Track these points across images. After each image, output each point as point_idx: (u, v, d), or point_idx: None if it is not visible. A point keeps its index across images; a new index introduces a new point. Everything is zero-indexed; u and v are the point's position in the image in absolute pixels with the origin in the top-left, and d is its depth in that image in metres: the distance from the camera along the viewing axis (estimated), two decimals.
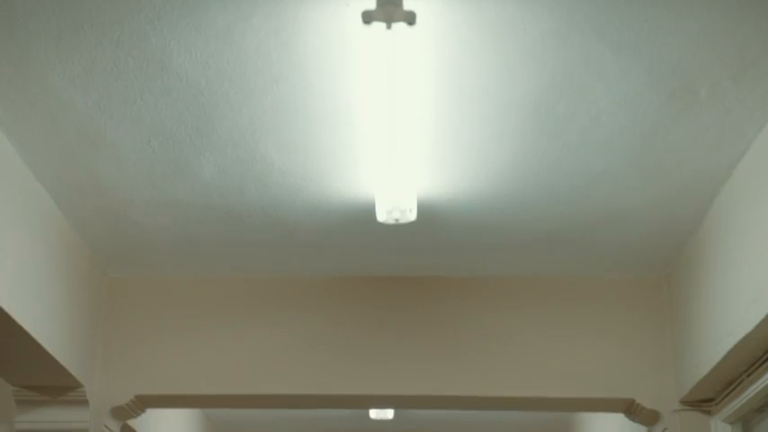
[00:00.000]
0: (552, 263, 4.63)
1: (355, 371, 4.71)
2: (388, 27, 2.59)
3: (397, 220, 3.89)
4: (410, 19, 2.59)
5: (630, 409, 4.71)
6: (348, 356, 4.72)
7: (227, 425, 7.12)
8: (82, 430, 4.46)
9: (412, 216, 3.86)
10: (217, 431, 7.16)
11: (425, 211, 4.03)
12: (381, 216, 3.87)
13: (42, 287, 3.89)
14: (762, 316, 3.41)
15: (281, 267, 4.71)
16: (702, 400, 4.47)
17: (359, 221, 4.16)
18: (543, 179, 3.79)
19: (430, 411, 6.87)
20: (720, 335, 3.89)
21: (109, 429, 4.63)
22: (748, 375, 4.02)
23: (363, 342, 4.74)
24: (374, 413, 6.75)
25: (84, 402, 4.45)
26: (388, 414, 6.80)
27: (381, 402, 5.14)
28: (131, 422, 4.98)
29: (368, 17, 2.58)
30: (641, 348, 4.68)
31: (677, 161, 3.63)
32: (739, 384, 4.14)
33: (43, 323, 3.89)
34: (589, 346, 4.70)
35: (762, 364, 3.86)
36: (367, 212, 4.04)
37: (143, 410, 4.82)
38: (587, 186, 3.84)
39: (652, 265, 4.61)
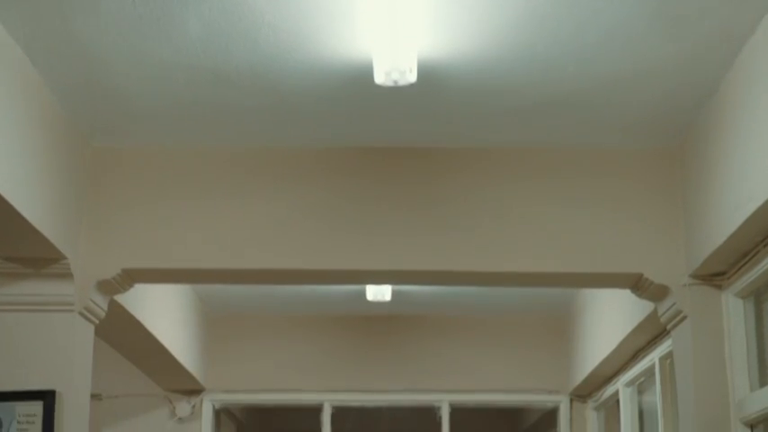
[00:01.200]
0: (559, 132, 4.41)
1: (351, 245, 4.53)
2: None
3: (395, 81, 3.68)
4: None
5: (638, 285, 4.54)
6: (343, 230, 4.53)
7: (219, 304, 6.97)
8: (67, 304, 4.30)
9: (411, 77, 3.64)
10: (208, 311, 7.02)
11: (426, 72, 3.77)
12: (379, 77, 3.66)
13: (21, 156, 3.68)
14: None
15: (273, 137, 4.48)
16: (714, 274, 4.30)
17: (355, 84, 3.91)
18: (552, 35, 3.53)
19: (428, 294, 6.73)
20: (739, 201, 3.70)
21: (95, 304, 4.46)
22: (765, 246, 3.84)
23: (359, 215, 4.55)
24: (371, 294, 6.60)
25: (68, 275, 4.27)
26: (386, 295, 6.65)
27: (378, 278, 4.98)
28: (119, 298, 4.80)
29: None
30: (650, 221, 4.48)
31: (699, 11, 3.37)
32: (754, 256, 3.96)
33: (23, 192, 3.69)
34: (596, 219, 4.51)
35: None
36: (364, 74, 3.79)
37: (131, 286, 4.65)
38: (599, 43, 3.59)
39: (665, 133, 4.38)
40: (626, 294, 5.14)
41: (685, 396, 4.45)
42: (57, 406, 4.18)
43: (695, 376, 4.31)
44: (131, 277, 4.56)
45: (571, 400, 7.15)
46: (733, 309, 4.28)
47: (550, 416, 7.44)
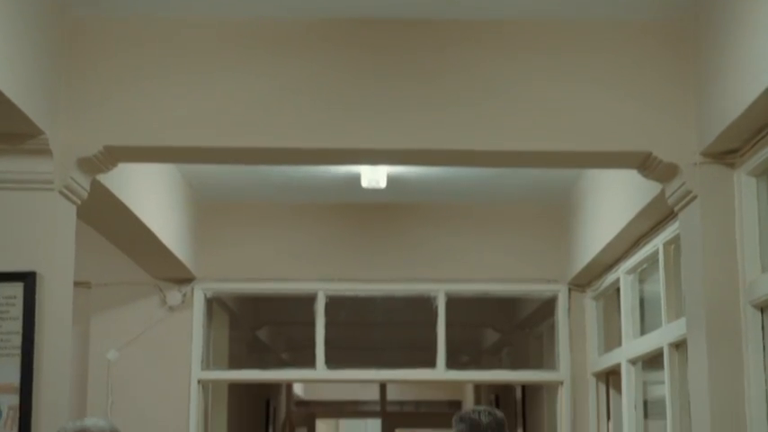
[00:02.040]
0: (568, 3, 4.16)
1: (346, 122, 4.31)
2: None
3: None
4: None
5: (645, 164, 4.34)
6: (338, 107, 4.31)
7: (209, 191, 6.77)
8: (46, 182, 4.09)
9: None
10: (199, 198, 6.82)
11: None
12: None
13: None
14: None
15: (265, 6, 4.23)
16: (726, 152, 4.09)
17: None
18: None
19: (424, 181, 6.54)
20: (755, 73, 3.47)
21: (77, 183, 4.25)
22: None
23: (355, 91, 4.32)
24: (366, 181, 6.40)
25: (46, 152, 4.06)
26: (381, 182, 6.45)
27: (374, 157, 4.78)
28: (103, 180, 4.59)
29: None
30: (660, 97, 4.26)
31: None
32: None
33: None
34: (604, 94, 4.29)
35: None
36: None
37: (114, 165, 4.44)
38: None
39: (677, 4, 4.14)
40: (629, 178, 4.96)
41: (692, 280, 4.29)
42: (38, 288, 4.01)
43: (704, 259, 4.15)
44: (114, 155, 4.35)
45: (569, 290, 7.01)
46: (745, 187, 4.09)
47: (548, 305, 7.31)
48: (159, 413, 6.79)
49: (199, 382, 6.89)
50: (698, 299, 4.20)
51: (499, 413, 4.70)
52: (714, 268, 4.12)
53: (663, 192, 4.51)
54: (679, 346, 5.08)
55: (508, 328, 9.28)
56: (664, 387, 5.42)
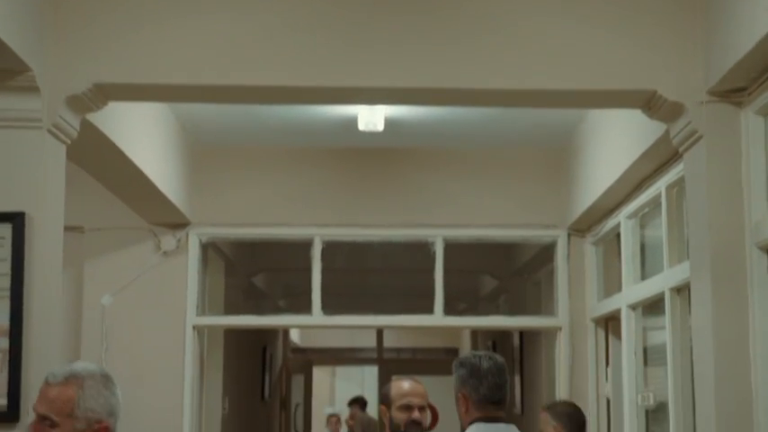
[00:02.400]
0: None
1: (343, 59, 4.20)
2: None
3: None
4: None
5: (650, 103, 4.23)
6: (335, 43, 4.19)
7: (204, 135, 6.65)
8: (34, 120, 3.97)
9: None
10: (193, 141, 6.71)
11: None
12: None
13: None
14: None
15: None
16: (733, 90, 3.99)
17: None
18: None
19: (423, 124, 6.42)
20: (765, 7, 3.36)
21: (66, 122, 4.13)
22: None
23: (353, 27, 4.20)
24: (363, 124, 6.28)
25: (34, 89, 3.93)
26: (378, 125, 6.33)
27: (372, 96, 4.66)
28: (93, 119, 4.48)
29: None
30: (665, 34, 4.14)
31: None
32: None
33: None
34: (607, 32, 4.17)
35: None
36: None
37: (104, 104, 4.32)
38: None
39: None
40: (632, 120, 4.86)
41: (697, 222, 4.21)
42: (27, 229, 3.91)
43: (709, 200, 4.06)
44: (104, 93, 4.23)
45: (569, 235, 6.92)
46: (752, 127, 3.99)
47: (547, 252, 7.23)
48: (154, 359, 6.72)
49: (194, 327, 6.82)
50: (702, 241, 4.11)
51: (500, 358, 4.62)
52: (719, 209, 4.03)
53: (667, 133, 4.41)
54: (681, 290, 5.01)
55: (506, 275, 9.21)
56: (664, 333, 5.36)
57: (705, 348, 4.08)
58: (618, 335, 6.41)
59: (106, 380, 3.16)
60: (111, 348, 6.68)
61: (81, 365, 3.26)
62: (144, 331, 6.74)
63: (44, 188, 4.04)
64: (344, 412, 15.86)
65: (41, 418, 3.03)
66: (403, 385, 5.14)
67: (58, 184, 4.21)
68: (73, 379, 3.06)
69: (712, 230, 4.04)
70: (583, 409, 6.68)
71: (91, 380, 3.09)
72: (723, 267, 4.00)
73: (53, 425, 3.01)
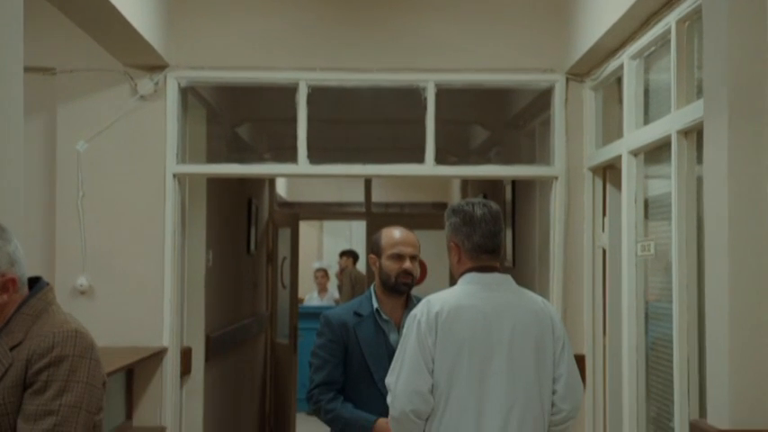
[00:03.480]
0: None
1: None
2: None
3: None
4: None
5: None
6: None
7: None
8: None
9: None
10: None
11: None
12: None
13: None
14: None
15: None
16: None
17: None
18: None
19: None
20: None
21: None
22: None
23: None
24: None
25: None
26: None
27: None
28: None
29: None
30: None
31: None
32: None
33: None
34: None
35: None
36: None
37: None
38: None
39: None
40: None
41: (714, 54, 3.89)
42: None
43: (729, 29, 3.74)
44: None
45: (567, 80, 6.59)
46: None
47: (541, 100, 6.91)
48: (132, 207, 6.47)
49: (174, 176, 6.53)
50: (720, 75, 3.80)
51: (494, 205, 4.37)
52: (740, 40, 3.71)
53: None
54: (689, 133, 4.72)
55: (498, 125, 8.90)
56: (666, 184, 5.11)
57: (718, 192, 3.81)
58: (616, 184, 6.17)
59: None
60: (87, 196, 6.41)
61: None
62: (122, 179, 6.46)
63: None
64: (332, 267, 15.79)
65: None
66: (394, 233, 4.91)
67: (14, 15, 3.84)
68: None
69: (731, 63, 3.72)
70: (578, 259, 6.51)
71: None
72: (742, 104, 3.70)
73: None
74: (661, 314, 5.18)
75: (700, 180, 4.66)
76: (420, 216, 13.60)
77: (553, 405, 4.24)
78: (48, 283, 3.13)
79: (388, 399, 4.18)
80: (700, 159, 4.67)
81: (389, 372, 4.21)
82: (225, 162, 7.32)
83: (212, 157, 7.40)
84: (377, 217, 12.16)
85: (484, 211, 4.28)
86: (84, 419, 2.95)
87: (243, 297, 9.78)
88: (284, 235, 12.06)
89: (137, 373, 6.36)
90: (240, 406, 9.51)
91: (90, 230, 6.41)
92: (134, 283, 6.44)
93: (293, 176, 11.43)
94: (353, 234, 17.40)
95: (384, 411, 4.40)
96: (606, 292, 6.31)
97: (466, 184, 11.75)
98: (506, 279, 4.37)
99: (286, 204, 13.41)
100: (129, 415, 6.30)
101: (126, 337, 6.36)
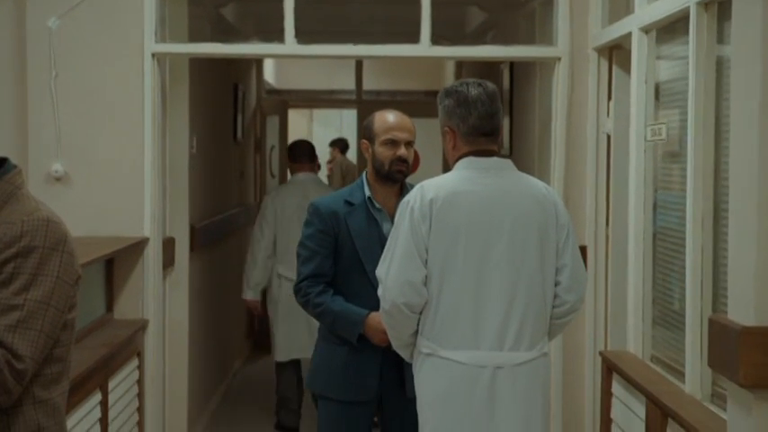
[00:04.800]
0: None
1: None
2: None
3: None
4: None
5: None
6: None
7: None
8: None
9: None
10: None
11: None
12: None
13: None
14: None
15: None
16: None
17: None
18: None
19: None
20: None
21: None
22: None
23: None
24: None
25: None
26: None
27: None
28: None
29: None
30: None
31: None
32: None
33: None
34: None
35: None
36: None
37: None
38: None
39: None
40: None
41: None
42: None
43: None
44: None
45: None
46: None
47: None
48: (110, 89, 6.08)
49: (153, 55, 6.12)
50: None
51: (490, 84, 4.03)
52: None
53: None
54: (709, 5, 4.34)
55: (496, 5, 8.46)
56: (679, 65, 4.75)
57: (747, 73, 3.42)
58: (623, 66, 5.81)
59: None
60: (61, 77, 6.02)
61: None
62: (97, 59, 6.06)
63: None
64: (324, 155, 15.44)
65: None
66: (388, 117, 4.59)
67: None
68: None
69: None
70: (581, 146, 6.18)
71: None
72: None
73: None
74: (671, 203, 4.87)
75: (720, 61, 4.30)
76: (412, 104, 13.22)
77: (556, 297, 4.01)
78: (16, 166, 2.78)
79: (379, 291, 3.92)
80: (720, 37, 4.30)
81: (380, 262, 3.95)
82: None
83: (194, 39, 6.98)
84: (368, 104, 11.77)
85: (479, 91, 3.98)
86: (52, 317, 2.64)
87: (230, 186, 9.45)
88: (272, 123, 11.70)
89: (117, 264, 6.07)
90: (228, 299, 9.27)
91: (64, 113, 6.03)
92: (113, 170, 6.10)
93: (280, 57, 11.01)
94: (344, 123, 17.02)
95: (376, 305, 4.16)
96: (610, 180, 6.00)
97: (460, 70, 11.36)
98: (506, 163, 4.08)
99: (274, 91, 12.98)
100: (109, 307, 6.03)
101: (105, 227, 6.05)
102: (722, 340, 3.46)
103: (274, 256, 7.63)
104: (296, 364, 7.78)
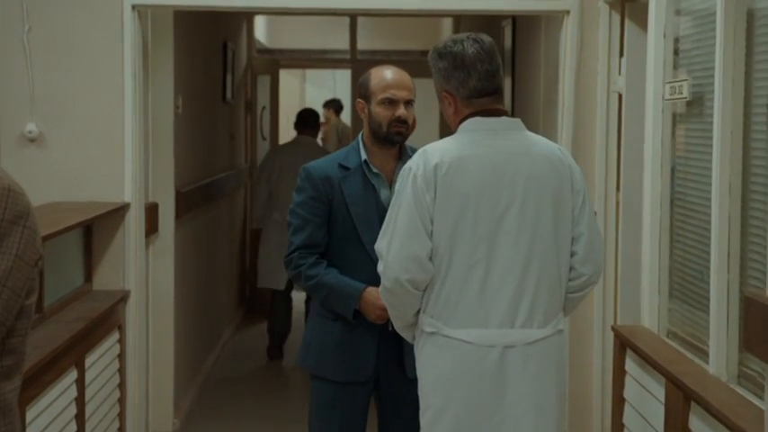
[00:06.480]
0: None
1: None
2: None
3: None
4: None
5: None
6: None
7: None
8: None
9: None
10: None
11: None
12: None
13: None
14: None
15: None
16: None
17: None
18: None
19: None
20: None
21: None
22: None
23: None
24: None
25: None
26: None
27: None
28: None
29: None
30: None
31: None
32: None
33: None
34: None
35: None
36: None
37: None
38: None
39: None
40: None
41: None
42: None
43: None
44: None
45: None
46: None
47: None
48: (87, 44, 5.70)
49: (134, 7, 5.71)
50: None
51: (486, 37, 3.64)
52: None
53: None
54: None
55: None
56: (698, 18, 4.38)
57: None
58: (636, 20, 5.43)
59: None
60: (34, 30, 5.62)
61: None
62: (73, 11, 5.68)
63: None
64: None
65: None
66: (385, 74, 4.22)
67: None
68: None
69: None
70: (590, 106, 5.81)
71: None
72: None
73: None
74: (692, 167, 4.51)
75: (751, 13, 3.92)
76: (407, 64, 12.81)
77: (572, 269, 3.65)
78: None
79: (379, 267, 3.56)
80: None
81: (380, 235, 3.58)
82: None
83: None
84: (362, 64, 11.35)
85: (476, 48, 3.60)
86: (6, 300, 2.27)
87: (218, 148, 9.06)
88: (263, 83, 11.30)
89: (96, 232, 5.70)
90: (218, 267, 8.92)
91: (38, 69, 5.64)
92: (91, 131, 5.72)
93: (271, 12, 10.61)
94: (337, 84, 16.58)
95: (373, 279, 3.81)
96: (621, 142, 5.62)
97: (458, 29, 10.94)
98: (516, 123, 3.73)
99: (266, 51, 12.56)
100: (88, 277, 5.66)
101: (83, 191, 5.69)
102: (761, 320, 3.11)
103: (271, 202, 8.63)
104: (286, 295, 8.82)
